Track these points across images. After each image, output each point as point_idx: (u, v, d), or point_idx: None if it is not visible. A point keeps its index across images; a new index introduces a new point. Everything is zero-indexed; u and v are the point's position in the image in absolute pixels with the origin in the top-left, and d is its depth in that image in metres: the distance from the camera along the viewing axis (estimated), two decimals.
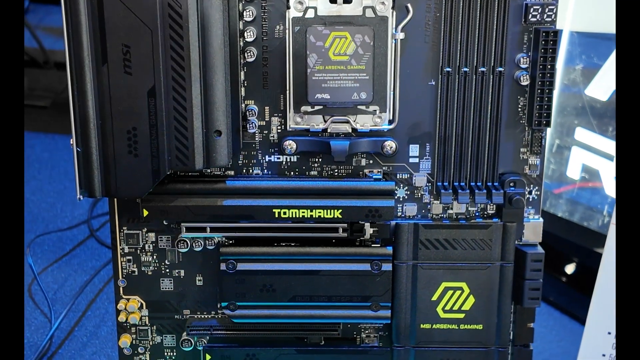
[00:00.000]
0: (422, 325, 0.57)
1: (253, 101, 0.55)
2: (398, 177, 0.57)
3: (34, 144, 1.16)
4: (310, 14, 0.52)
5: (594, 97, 0.79)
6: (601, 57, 0.78)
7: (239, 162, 0.56)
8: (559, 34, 0.52)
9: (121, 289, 0.59)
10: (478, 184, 0.56)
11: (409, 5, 0.53)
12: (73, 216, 0.95)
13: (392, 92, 0.54)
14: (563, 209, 0.84)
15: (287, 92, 0.54)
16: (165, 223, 0.57)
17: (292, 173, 0.57)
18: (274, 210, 0.54)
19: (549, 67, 0.53)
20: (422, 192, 0.57)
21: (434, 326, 0.57)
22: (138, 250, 0.58)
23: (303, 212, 0.54)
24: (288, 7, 0.52)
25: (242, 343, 0.59)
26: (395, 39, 0.53)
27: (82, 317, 0.76)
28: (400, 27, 0.53)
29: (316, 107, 0.54)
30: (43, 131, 1.21)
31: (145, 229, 0.58)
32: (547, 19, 0.53)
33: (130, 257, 0.58)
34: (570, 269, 0.82)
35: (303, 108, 0.54)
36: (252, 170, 0.56)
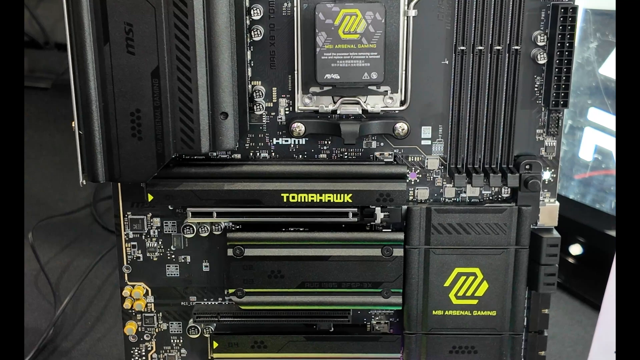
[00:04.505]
0: (434, 312, 0.56)
1: (260, 82, 0.53)
2: (410, 159, 0.55)
3: (35, 126, 1.15)
4: None
5: (608, 76, 0.77)
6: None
7: (246, 145, 0.55)
8: (577, 9, 0.51)
9: (126, 275, 0.58)
10: (492, 166, 0.54)
11: None
12: (77, 199, 0.94)
13: (404, 72, 0.52)
14: (575, 191, 0.82)
15: (296, 72, 0.52)
16: (170, 208, 0.56)
17: (300, 156, 0.55)
18: (282, 194, 0.53)
19: (567, 44, 0.51)
20: (434, 175, 0.55)
21: (446, 312, 0.56)
22: (143, 236, 0.57)
23: (312, 197, 0.53)
24: None
25: (250, 330, 0.58)
26: (407, 16, 0.51)
27: (87, 303, 0.75)
28: (412, 3, 0.51)
29: (325, 88, 0.52)
30: (44, 113, 1.19)
31: (150, 214, 0.56)
32: None
33: (135, 243, 0.57)
34: (575, 250, 0.80)
35: (312, 89, 0.52)
36: (260, 154, 0.55)
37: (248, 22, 0.52)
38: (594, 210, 0.80)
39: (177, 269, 0.57)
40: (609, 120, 0.78)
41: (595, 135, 0.80)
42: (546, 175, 0.55)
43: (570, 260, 0.81)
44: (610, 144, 0.78)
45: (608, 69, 0.77)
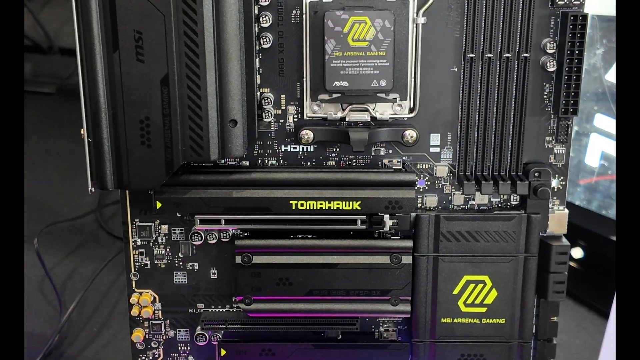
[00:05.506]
0: (442, 320, 0.56)
1: (269, 89, 0.53)
2: (418, 167, 0.55)
3: (40, 131, 1.15)
4: None
5: (614, 82, 0.77)
6: None
7: (254, 152, 0.55)
8: (587, 17, 0.50)
9: (134, 282, 0.58)
10: (501, 174, 0.54)
11: None
12: (82, 205, 0.94)
13: (413, 79, 0.52)
14: (581, 197, 0.82)
15: (304, 79, 0.52)
16: (178, 215, 0.56)
17: (309, 163, 0.55)
18: (290, 202, 0.53)
19: (577, 52, 0.51)
20: (443, 183, 0.55)
21: (455, 320, 0.56)
22: (151, 243, 0.57)
23: (320, 204, 0.53)
24: None
25: (258, 338, 0.57)
26: (416, 24, 0.51)
27: (92, 309, 0.75)
28: (421, 11, 0.51)
29: (334, 95, 0.52)
30: (49, 118, 1.19)
31: (158, 221, 0.56)
32: (575, 2, 0.51)
33: (143, 250, 0.57)
34: (576, 253, 0.80)
35: (320, 96, 0.52)
36: (268, 161, 0.55)
37: (257, 29, 0.52)
38: (600, 217, 0.80)
39: (184, 276, 0.57)
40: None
41: (602, 141, 0.79)
42: (555, 182, 0.55)
43: (576, 266, 0.80)
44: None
45: (614, 75, 0.77)
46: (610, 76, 0.77)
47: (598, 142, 0.80)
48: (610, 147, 0.79)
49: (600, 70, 0.78)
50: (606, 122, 0.79)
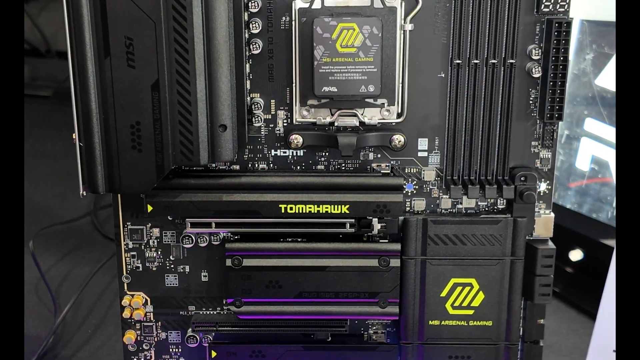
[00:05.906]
0: (430, 322, 0.56)
1: (258, 94, 0.54)
2: (406, 171, 0.56)
3: (36, 134, 1.15)
4: (317, 4, 0.51)
5: (604, 87, 0.78)
6: (612, 46, 0.77)
7: (245, 156, 0.55)
8: (572, 24, 0.51)
9: (125, 285, 0.58)
10: (488, 178, 0.55)
11: None
12: (77, 208, 0.95)
13: (400, 85, 0.53)
14: (572, 201, 0.83)
15: (294, 84, 0.53)
16: (169, 218, 0.57)
17: (298, 168, 0.56)
18: (280, 205, 0.53)
19: (561, 58, 0.52)
20: (430, 187, 0.56)
21: (442, 322, 0.56)
22: (142, 246, 0.57)
23: (310, 208, 0.53)
24: None
25: (248, 340, 0.58)
26: (404, 30, 0.52)
27: (87, 311, 0.76)
28: (409, 18, 0.52)
29: (323, 100, 0.52)
30: (45, 121, 1.20)
31: (150, 225, 0.57)
32: (559, 9, 0.52)
33: (135, 253, 0.58)
34: (575, 255, 0.81)
35: (310, 101, 0.53)
36: (258, 165, 0.55)
37: (247, 35, 0.52)
38: (591, 220, 0.80)
39: (176, 278, 0.58)
40: (605, 131, 0.79)
41: (592, 145, 0.80)
42: (541, 186, 0.56)
43: (568, 269, 0.81)
44: (606, 154, 0.79)
45: (604, 80, 0.78)
46: (600, 81, 0.78)
47: (588, 146, 0.81)
48: (600, 151, 0.80)
49: (590, 75, 0.79)
50: (596, 126, 0.80)
